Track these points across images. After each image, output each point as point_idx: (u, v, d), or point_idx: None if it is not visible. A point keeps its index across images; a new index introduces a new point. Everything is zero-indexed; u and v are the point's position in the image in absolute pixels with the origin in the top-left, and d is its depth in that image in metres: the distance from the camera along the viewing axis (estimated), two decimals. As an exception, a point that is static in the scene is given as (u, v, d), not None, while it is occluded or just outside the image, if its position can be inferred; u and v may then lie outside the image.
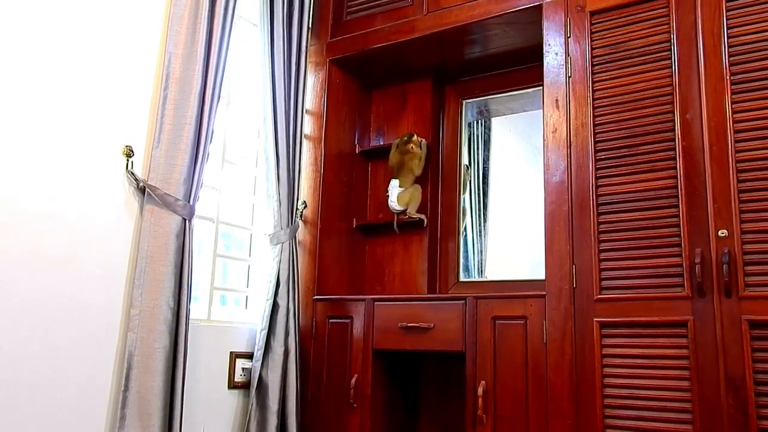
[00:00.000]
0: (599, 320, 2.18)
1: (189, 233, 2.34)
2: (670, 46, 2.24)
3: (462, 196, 3.11)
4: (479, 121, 3.18)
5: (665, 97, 2.22)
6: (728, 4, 2.15)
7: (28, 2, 2.05)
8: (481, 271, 3.02)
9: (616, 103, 2.30)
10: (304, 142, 3.06)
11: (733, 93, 2.09)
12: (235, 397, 2.71)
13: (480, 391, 2.35)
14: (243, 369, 2.72)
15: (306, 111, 3.08)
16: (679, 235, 2.10)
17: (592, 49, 2.38)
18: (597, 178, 2.28)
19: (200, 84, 2.42)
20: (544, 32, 2.50)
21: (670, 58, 2.23)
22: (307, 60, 3.07)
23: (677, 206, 2.12)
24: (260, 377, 2.65)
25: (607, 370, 2.14)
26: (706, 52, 2.16)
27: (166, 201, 2.29)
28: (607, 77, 2.34)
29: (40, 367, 2.00)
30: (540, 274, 2.42)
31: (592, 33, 2.40)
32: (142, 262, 2.24)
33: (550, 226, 2.35)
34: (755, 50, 2.09)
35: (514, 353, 2.34)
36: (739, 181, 2.03)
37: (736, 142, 2.06)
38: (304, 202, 3.00)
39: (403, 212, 3.02)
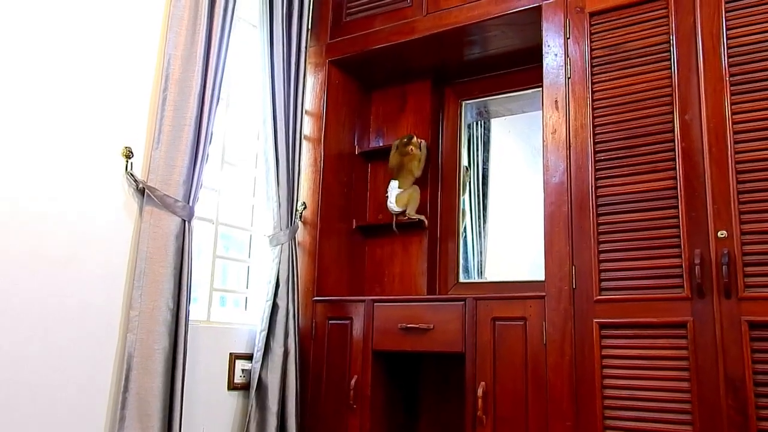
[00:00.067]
0: (599, 321, 2.19)
1: (188, 234, 2.34)
2: (670, 47, 2.24)
3: (461, 197, 3.11)
4: (479, 122, 3.18)
5: (665, 98, 2.22)
6: (727, 5, 2.15)
7: (29, 4, 2.05)
8: (481, 272, 3.02)
9: (616, 104, 2.30)
10: (304, 143, 3.06)
11: (732, 94, 2.09)
12: (234, 398, 2.71)
13: (480, 392, 2.35)
14: (242, 370, 2.72)
15: (305, 112, 3.08)
16: (679, 236, 2.10)
17: (592, 50, 2.39)
18: (596, 179, 2.29)
19: (200, 85, 2.42)
20: (544, 33, 2.50)
21: (670, 59, 2.23)
22: (307, 61, 3.07)
23: (677, 207, 2.12)
24: (260, 378, 2.65)
25: (607, 371, 2.14)
26: (705, 54, 2.16)
27: (166, 202, 2.29)
28: (607, 78, 2.34)
29: (39, 368, 2.00)
30: (540, 275, 2.42)
31: (591, 34, 2.40)
32: (141, 264, 2.24)
33: (549, 227, 2.35)
34: (755, 51, 2.09)
35: (513, 354, 2.34)
36: (738, 182, 2.04)
37: (736, 143, 2.06)
38: (304, 203, 3.00)
39: (402, 213, 3.02)
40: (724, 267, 1.99)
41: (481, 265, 3.03)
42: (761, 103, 2.05)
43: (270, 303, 2.71)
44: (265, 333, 2.68)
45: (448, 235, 3.08)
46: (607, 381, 2.14)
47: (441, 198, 3.13)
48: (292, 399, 2.66)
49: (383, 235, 3.15)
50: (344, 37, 3.07)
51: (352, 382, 2.65)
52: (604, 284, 2.21)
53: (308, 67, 3.11)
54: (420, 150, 3.04)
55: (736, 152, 2.06)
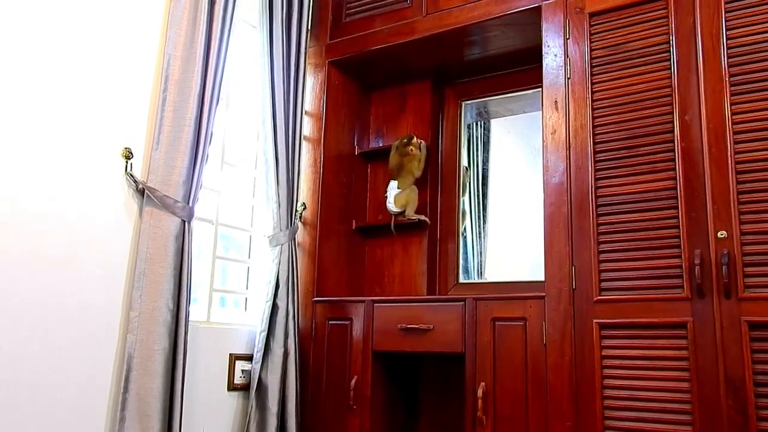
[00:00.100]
0: (599, 321, 2.19)
1: (188, 235, 2.34)
2: (669, 47, 2.24)
3: (461, 198, 3.11)
4: (478, 123, 3.18)
5: (664, 98, 2.22)
6: (727, 6, 2.15)
7: (29, 6, 2.05)
8: (481, 272, 3.02)
9: (616, 104, 2.30)
10: (304, 143, 3.06)
11: (732, 94, 2.10)
12: (234, 399, 2.71)
13: (480, 392, 2.35)
14: (242, 371, 2.72)
15: (305, 113, 3.08)
16: (679, 237, 2.10)
17: (592, 50, 2.39)
18: (596, 180, 2.29)
19: (199, 86, 2.42)
20: (544, 34, 2.50)
21: (669, 60, 2.23)
22: (306, 62, 3.07)
23: (676, 207, 2.13)
24: (260, 379, 2.65)
25: (607, 372, 2.14)
26: (705, 54, 2.16)
27: (166, 203, 2.29)
28: (607, 79, 2.34)
29: (39, 368, 2.00)
30: (539, 275, 2.42)
31: (591, 34, 2.40)
32: (141, 264, 2.24)
33: (549, 228, 2.35)
34: (754, 52, 2.09)
35: (513, 355, 2.34)
36: (738, 183, 2.04)
37: (735, 143, 2.06)
38: (304, 203, 3.00)
39: (401, 214, 3.02)
40: (723, 267, 1.99)
41: (481, 265, 3.03)
42: (761, 103, 2.05)
43: (270, 303, 2.71)
44: (264, 333, 2.68)
45: (448, 235, 3.08)
46: (607, 381, 2.14)
47: (441, 198, 3.13)
48: (292, 399, 2.66)
49: (383, 236, 3.15)
50: (344, 38, 3.07)
51: (352, 382, 2.65)
52: (604, 284, 2.21)
53: (308, 67, 3.11)
54: (420, 150, 3.04)
55: (736, 152, 2.06)
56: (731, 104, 2.09)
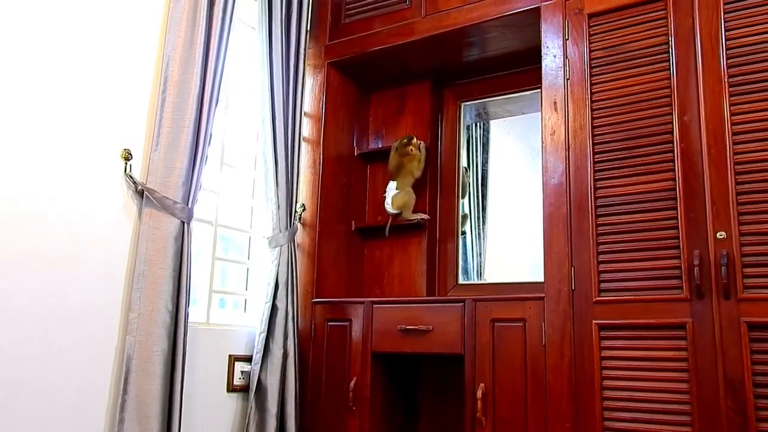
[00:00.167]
0: (598, 322, 2.19)
1: (187, 236, 2.34)
2: (668, 48, 2.24)
3: (461, 199, 3.11)
4: (478, 124, 3.18)
5: (663, 99, 2.22)
6: (726, 7, 2.15)
7: (28, 7, 2.05)
8: (480, 273, 3.02)
9: (615, 105, 2.30)
10: (303, 144, 3.06)
11: (731, 95, 2.10)
12: (234, 401, 2.71)
13: (479, 393, 2.35)
14: (242, 372, 2.72)
15: (304, 114, 3.08)
16: (678, 237, 2.10)
17: (591, 51, 2.39)
18: (595, 180, 2.29)
19: (198, 87, 2.42)
20: (543, 35, 2.50)
21: (668, 61, 2.23)
22: (306, 63, 3.07)
23: (675, 208, 2.13)
24: (259, 380, 2.65)
25: (606, 372, 2.14)
26: (704, 55, 2.16)
27: (165, 204, 2.29)
28: (606, 79, 2.34)
29: (39, 369, 2.00)
30: (539, 276, 2.42)
31: (590, 35, 2.40)
32: (140, 266, 2.24)
33: (548, 229, 2.35)
34: (753, 53, 2.09)
35: (513, 356, 2.34)
36: (737, 183, 2.04)
37: (735, 144, 2.06)
38: (303, 204, 3.00)
39: (399, 215, 3.02)
40: (723, 268, 1.99)
41: (480, 266, 3.03)
42: (760, 104, 2.05)
43: (269, 305, 2.71)
44: (264, 335, 2.68)
45: (447, 236, 3.08)
46: (606, 382, 2.14)
47: (440, 199, 3.13)
48: (292, 401, 2.66)
49: (382, 237, 3.15)
50: (343, 39, 3.07)
51: (352, 383, 2.65)
52: (603, 285, 2.21)
53: (307, 68, 3.11)
54: (420, 151, 3.04)
55: (735, 153, 2.06)
56: (730, 105, 2.09)
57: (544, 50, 2.49)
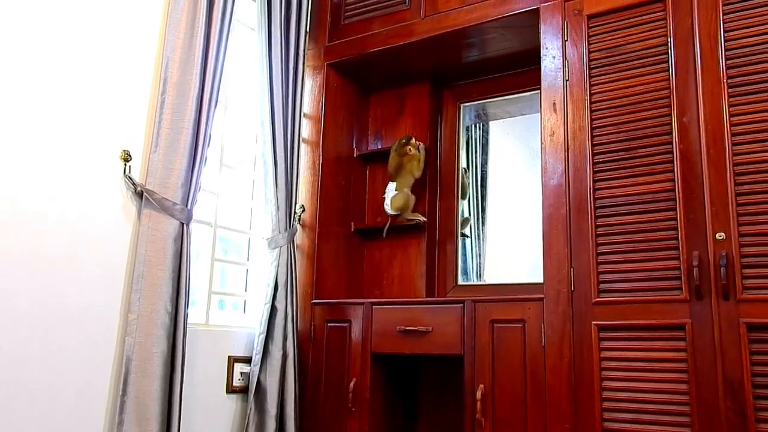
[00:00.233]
0: (597, 323, 2.19)
1: (187, 237, 2.34)
2: (668, 49, 2.24)
3: (460, 200, 3.11)
4: (477, 125, 3.18)
5: (662, 100, 2.22)
6: (725, 8, 2.15)
7: (29, 10, 2.05)
8: (480, 274, 3.02)
9: (614, 106, 2.31)
10: (302, 146, 3.06)
11: (730, 96, 2.10)
12: (233, 402, 2.70)
13: (478, 394, 2.35)
14: (241, 373, 2.72)
15: (304, 115, 3.08)
16: (677, 238, 2.10)
17: (590, 52, 2.39)
18: (595, 181, 2.29)
19: (198, 88, 2.42)
20: (542, 36, 2.50)
21: (668, 62, 2.23)
22: (305, 64, 3.08)
23: (675, 209, 2.13)
24: (258, 381, 2.64)
25: (606, 373, 2.14)
26: (703, 56, 2.16)
27: (164, 205, 2.29)
28: (605, 80, 2.34)
29: (39, 369, 2.00)
30: (538, 277, 2.42)
31: (589, 36, 2.40)
32: (140, 267, 2.24)
33: (548, 230, 2.35)
34: (752, 53, 2.09)
35: (512, 356, 2.34)
36: (736, 184, 2.04)
37: (734, 145, 2.06)
38: (302, 206, 3.00)
39: (398, 216, 3.02)
40: (722, 269, 1.99)
41: (479, 267, 3.03)
42: (759, 105, 2.05)
43: (269, 306, 2.71)
44: (263, 336, 2.67)
45: (446, 237, 3.08)
46: (605, 383, 2.14)
47: (439, 200, 3.13)
48: (291, 402, 2.66)
49: (382, 238, 3.15)
50: (342, 40, 3.07)
51: (351, 385, 2.65)
52: (602, 286, 2.21)
53: (306, 70, 3.11)
54: (419, 151, 3.04)
55: (734, 154, 2.06)
56: (729, 106, 2.09)
57: (543, 51, 2.49)
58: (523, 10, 2.58)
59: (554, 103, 2.42)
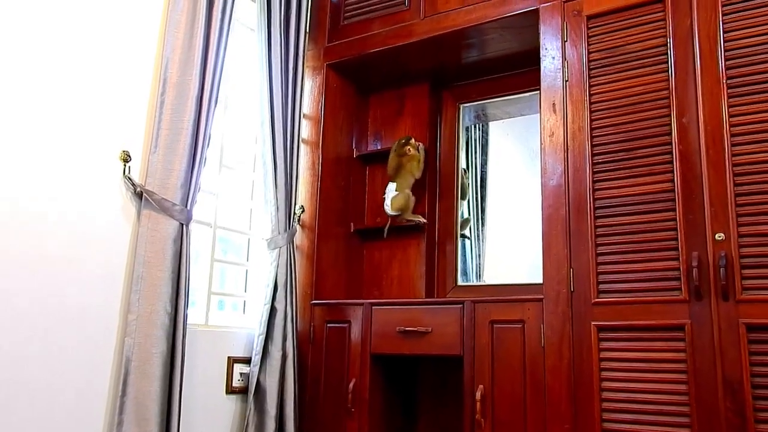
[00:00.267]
0: (597, 324, 2.19)
1: (186, 238, 2.34)
2: (667, 50, 2.24)
3: (460, 201, 3.11)
4: (476, 126, 3.18)
5: (662, 100, 2.22)
6: (724, 8, 2.15)
7: (29, 11, 2.06)
8: (479, 275, 3.02)
9: (613, 107, 2.31)
10: (302, 146, 3.06)
11: (729, 97, 2.10)
12: (233, 403, 2.70)
13: (478, 395, 2.35)
14: (241, 374, 2.72)
15: (303, 115, 3.08)
16: (677, 239, 2.11)
17: (589, 53, 2.39)
18: (594, 182, 2.29)
19: (197, 89, 2.42)
20: (541, 36, 2.50)
21: (667, 62, 2.23)
22: (305, 64, 3.08)
23: (674, 210, 2.13)
24: (258, 382, 2.64)
25: (605, 374, 2.14)
26: (702, 56, 2.16)
27: (164, 206, 2.29)
28: (604, 81, 2.34)
29: (38, 369, 2.00)
30: (538, 277, 2.42)
31: (588, 37, 2.40)
32: (139, 268, 2.24)
33: (547, 230, 2.35)
34: (751, 54, 2.09)
35: (512, 357, 2.34)
36: (735, 185, 2.04)
37: (733, 145, 2.06)
38: (302, 206, 3.00)
39: (398, 216, 3.02)
40: (721, 269, 1.99)
41: (479, 268, 3.03)
42: (758, 105, 2.06)
43: (268, 306, 2.71)
44: (263, 337, 2.67)
45: (446, 237, 3.08)
46: (605, 384, 2.14)
47: (439, 201, 3.13)
48: (291, 403, 2.66)
49: (381, 239, 3.15)
50: (342, 41, 3.07)
51: (351, 385, 2.65)
52: (602, 287, 2.21)
53: (306, 70, 3.11)
54: (418, 152, 3.05)
55: (734, 155, 2.06)
56: (729, 107, 2.09)
57: (542, 52, 2.49)
58: (522, 10, 2.58)
59: (554, 104, 2.42)
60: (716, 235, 2.04)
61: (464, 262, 3.05)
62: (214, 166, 2.79)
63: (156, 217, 2.29)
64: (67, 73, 2.16)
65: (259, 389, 2.64)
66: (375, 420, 2.64)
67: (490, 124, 3.15)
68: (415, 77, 3.20)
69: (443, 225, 3.10)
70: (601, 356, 2.16)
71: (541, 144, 2.43)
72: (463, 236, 3.08)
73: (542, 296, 2.31)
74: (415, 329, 2.55)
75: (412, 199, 3.02)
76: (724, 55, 2.13)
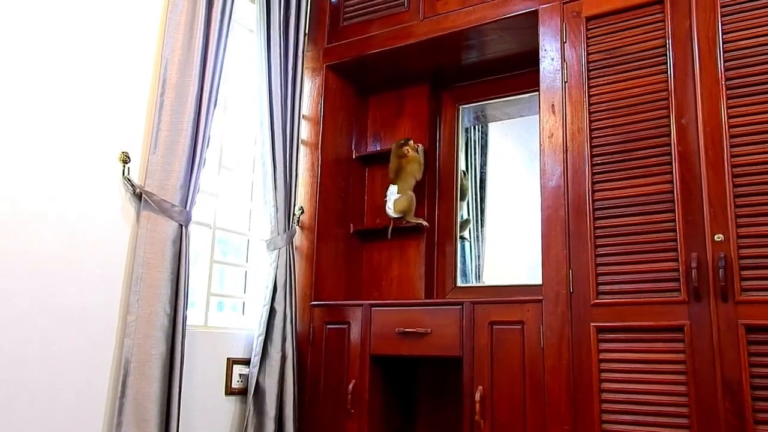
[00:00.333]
0: (596, 325, 2.19)
1: (186, 239, 2.34)
2: (666, 51, 2.24)
3: (459, 202, 3.11)
4: (476, 127, 3.18)
5: (661, 102, 2.23)
6: (723, 10, 2.16)
7: (29, 12, 2.06)
8: (479, 276, 3.02)
9: (612, 108, 2.31)
10: (301, 147, 3.06)
11: (728, 98, 2.10)
12: (232, 404, 2.70)
13: (477, 396, 2.35)
14: (240, 375, 2.72)
15: (303, 116, 3.08)
16: (676, 240, 2.11)
17: (588, 54, 2.39)
18: (593, 183, 2.29)
19: (197, 90, 2.42)
20: (540, 38, 2.51)
21: (666, 63, 2.24)
22: (304, 66, 3.08)
23: (673, 211, 2.13)
24: (257, 383, 2.64)
25: (605, 375, 2.14)
26: (701, 57, 2.16)
27: (163, 207, 2.29)
28: (603, 82, 2.35)
29: (38, 370, 2.00)
30: (537, 279, 2.42)
31: (588, 38, 2.40)
32: (138, 269, 2.24)
33: (546, 231, 2.35)
34: (750, 55, 2.09)
35: (511, 358, 2.34)
36: (734, 186, 2.04)
37: (732, 146, 2.07)
38: (301, 207, 3.00)
39: (400, 218, 3.02)
40: (720, 270, 2.00)
41: (478, 269, 3.03)
42: (757, 106, 2.06)
43: (267, 308, 2.71)
44: (262, 338, 2.67)
45: (445, 239, 3.08)
46: (604, 385, 2.14)
47: (438, 202, 3.14)
48: (290, 404, 2.66)
49: (381, 240, 3.15)
50: (341, 42, 3.08)
51: (350, 386, 2.65)
52: (601, 288, 2.21)
53: (305, 71, 3.11)
54: (417, 153, 3.05)
55: (733, 156, 2.06)
56: (728, 108, 2.09)
57: (542, 53, 2.49)
58: (521, 11, 2.58)
59: (553, 105, 2.42)
60: (715, 236, 2.04)
61: (464, 263, 3.05)
62: (213, 167, 2.79)
63: (155, 218, 2.28)
64: (67, 74, 2.17)
65: (259, 390, 2.64)
66: (374, 421, 2.64)
67: (490, 125, 3.16)
68: (415, 78, 3.20)
69: (443, 226, 3.10)
70: (600, 357, 2.16)
71: (540, 145, 2.43)
72: (462, 237, 3.08)
73: (541, 297, 2.31)
74: (415, 330, 2.55)
75: (414, 200, 3.02)
76: (723, 57, 2.13)
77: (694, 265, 2.04)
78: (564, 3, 2.47)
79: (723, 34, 2.14)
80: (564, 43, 2.44)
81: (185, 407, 2.38)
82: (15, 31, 2.03)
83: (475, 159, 3.16)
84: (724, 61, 2.12)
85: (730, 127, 2.08)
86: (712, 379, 1.97)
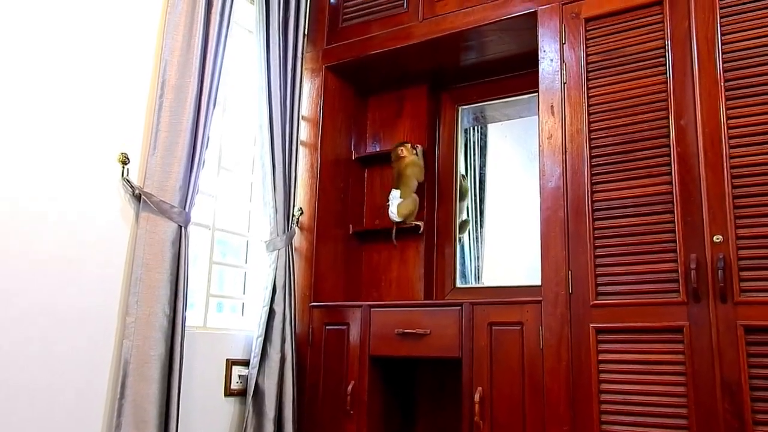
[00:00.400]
0: (595, 326, 2.19)
1: (185, 240, 2.34)
2: (665, 52, 2.24)
3: (458, 203, 3.11)
4: (475, 128, 3.18)
5: (660, 103, 2.23)
6: (722, 11, 2.16)
7: (28, 13, 2.06)
8: (478, 277, 3.02)
9: (612, 109, 2.31)
10: (300, 148, 3.06)
11: (727, 99, 2.10)
12: (231, 405, 2.70)
13: (477, 397, 2.35)
14: (239, 376, 2.72)
15: (302, 117, 3.08)
16: (675, 241, 2.11)
17: (587, 55, 2.39)
18: (592, 184, 2.29)
19: (196, 91, 2.42)
20: (540, 39, 2.51)
21: (665, 65, 2.24)
22: (303, 66, 3.08)
23: (672, 212, 2.13)
24: (257, 384, 2.64)
25: (604, 376, 2.14)
26: (700, 58, 2.17)
27: (162, 208, 2.29)
28: (603, 83, 2.35)
29: (37, 371, 2.00)
30: (536, 279, 2.42)
31: (587, 39, 2.41)
32: (137, 270, 2.23)
33: (546, 232, 2.35)
34: (749, 56, 2.10)
35: (510, 359, 2.34)
36: (733, 187, 2.04)
37: (731, 147, 2.07)
38: (301, 208, 3.00)
39: (403, 223, 3.02)
40: (719, 271, 2.00)
41: (478, 270, 3.03)
42: (756, 107, 2.06)
43: (267, 309, 2.70)
44: (261, 339, 2.67)
45: (445, 240, 3.08)
46: (603, 386, 2.14)
47: (438, 203, 3.14)
48: (289, 405, 2.66)
49: (380, 241, 3.15)
50: (341, 43, 3.08)
51: (349, 387, 2.65)
52: (600, 289, 2.21)
53: (305, 72, 3.11)
54: (417, 155, 3.05)
55: (731, 157, 2.06)
56: (726, 109, 2.09)
57: (541, 54, 2.49)
58: (521, 13, 2.59)
59: (552, 106, 2.42)
60: (714, 237, 2.04)
61: (463, 264, 3.05)
62: (212, 168, 2.79)
63: (154, 219, 2.28)
64: (67, 75, 2.17)
65: (258, 391, 2.64)
66: (374, 422, 2.64)
67: (489, 126, 3.16)
68: (414, 79, 3.20)
69: (442, 227, 3.10)
70: (599, 358, 2.16)
71: (539, 146, 2.43)
72: (461, 239, 3.08)
73: (541, 298, 2.31)
74: (414, 331, 2.55)
75: (417, 203, 3.02)
76: (722, 58, 2.13)
77: (693, 266, 2.04)
78: (563, 4, 2.48)
79: (722, 35, 2.15)
80: (563, 44, 2.45)
81: (184, 408, 2.38)
82: (15, 32, 2.03)
83: (474, 160, 3.16)
84: (723, 63, 2.13)
85: (729, 128, 2.08)
86: (711, 379, 1.97)
